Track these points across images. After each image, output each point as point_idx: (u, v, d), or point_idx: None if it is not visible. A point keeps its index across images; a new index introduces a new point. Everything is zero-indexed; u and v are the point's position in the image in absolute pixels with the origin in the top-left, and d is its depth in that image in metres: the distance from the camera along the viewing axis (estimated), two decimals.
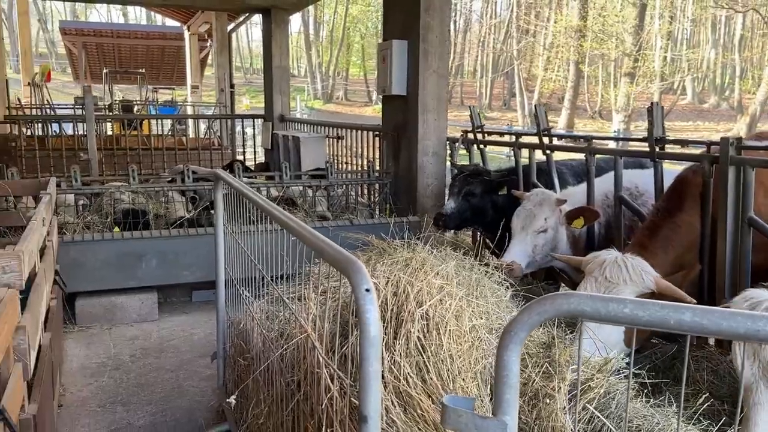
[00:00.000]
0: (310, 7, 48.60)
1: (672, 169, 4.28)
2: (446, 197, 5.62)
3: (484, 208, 5.35)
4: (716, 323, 1.11)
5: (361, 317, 1.34)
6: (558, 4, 36.20)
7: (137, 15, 58.00)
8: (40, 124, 12.46)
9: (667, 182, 4.01)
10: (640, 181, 4.54)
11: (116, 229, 5.64)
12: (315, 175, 6.97)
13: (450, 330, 1.97)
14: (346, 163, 9.15)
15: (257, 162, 11.05)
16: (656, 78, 30.34)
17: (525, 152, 5.70)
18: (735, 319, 1.13)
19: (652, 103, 4.02)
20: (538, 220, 4.24)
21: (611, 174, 4.40)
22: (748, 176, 3.45)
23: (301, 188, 6.70)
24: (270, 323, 2.69)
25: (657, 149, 4.00)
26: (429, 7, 6.08)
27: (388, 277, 2.16)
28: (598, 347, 2.68)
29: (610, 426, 1.97)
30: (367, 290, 1.36)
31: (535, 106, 5.45)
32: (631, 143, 6.28)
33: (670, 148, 4.26)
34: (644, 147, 4.34)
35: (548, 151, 5.18)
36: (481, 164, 6.29)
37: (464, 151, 6.66)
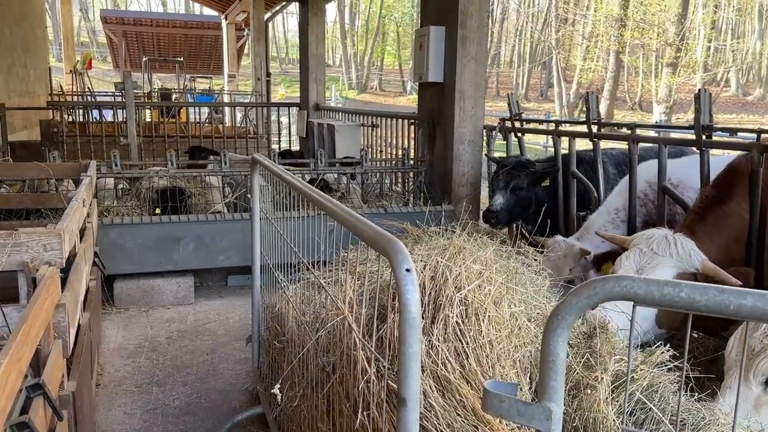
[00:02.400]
0: None
1: (710, 158, 4.12)
2: (490, 193, 5.48)
3: (530, 200, 5.24)
4: None
5: (401, 297, 1.31)
6: None
7: (176, 4, 58.82)
8: (81, 111, 12.75)
9: (691, 176, 3.91)
10: (673, 172, 4.38)
11: (157, 210, 5.72)
12: (345, 163, 6.95)
13: (489, 316, 1.92)
14: (381, 151, 9.12)
15: (281, 150, 11.09)
16: (699, 69, 29.45)
17: (564, 142, 5.60)
18: None
19: (699, 90, 3.88)
20: (563, 272, 4.12)
21: (648, 163, 4.28)
22: None
23: (335, 176, 6.69)
24: (305, 307, 2.69)
25: (704, 137, 3.86)
26: None
27: (425, 262, 2.12)
28: (633, 328, 2.60)
29: (659, 415, 1.90)
30: (408, 270, 1.32)
31: (587, 92, 5.30)
32: (675, 132, 6.09)
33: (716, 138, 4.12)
34: (687, 136, 4.20)
35: (595, 140, 5.06)
36: (520, 154, 6.19)
37: (501, 140, 6.57)
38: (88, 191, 4.15)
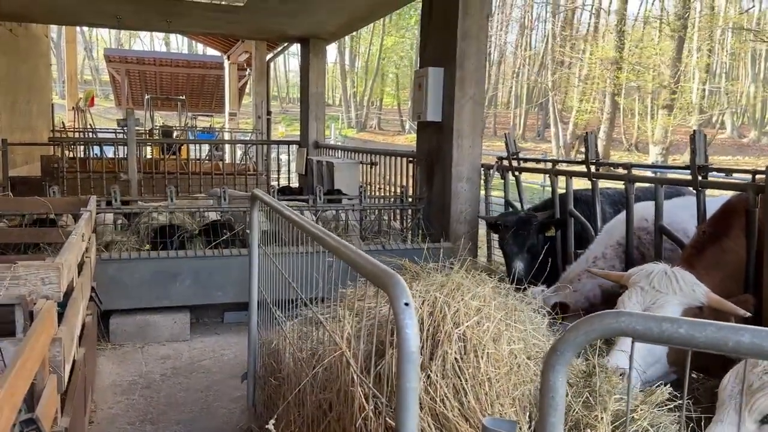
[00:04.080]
0: (347, 39, 49.55)
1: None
2: (505, 258, 5.39)
3: (540, 248, 5.22)
4: None
5: (399, 332, 1.30)
6: (594, 36, 36.13)
7: (179, 44, 59.88)
8: (82, 147, 12.85)
9: (680, 217, 3.96)
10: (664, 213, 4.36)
11: (146, 246, 5.73)
12: (331, 199, 6.97)
13: (488, 353, 1.91)
14: (380, 188, 9.17)
15: (281, 186, 11.16)
16: (694, 111, 29.87)
17: (560, 182, 5.64)
18: None
19: (694, 131, 3.94)
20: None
21: (639, 205, 4.32)
22: None
23: (334, 212, 6.72)
24: (302, 343, 2.67)
25: (700, 178, 3.90)
26: (466, 34, 6.10)
27: (424, 297, 2.12)
28: (636, 369, 2.59)
29: None
30: (407, 304, 1.32)
31: (586, 133, 5.37)
32: (671, 173, 6.16)
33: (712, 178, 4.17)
34: (683, 176, 4.25)
35: (593, 179, 5.11)
36: (518, 195, 6.23)
37: (499, 179, 6.62)
38: (87, 226, 4.15)
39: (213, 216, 6.40)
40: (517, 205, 6.30)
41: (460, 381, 1.83)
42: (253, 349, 3.52)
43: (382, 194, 8.88)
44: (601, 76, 32.43)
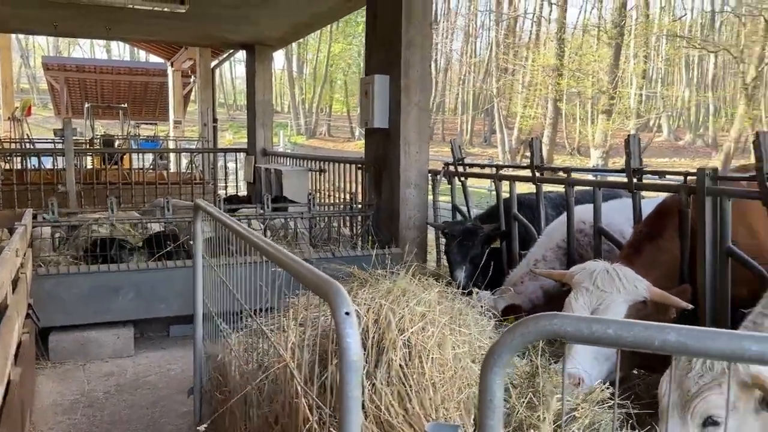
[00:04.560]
0: (294, 46, 49.31)
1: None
2: (448, 264, 5.48)
3: (483, 257, 5.31)
4: (701, 343, 1.10)
5: (340, 341, 1.30)
6: (535, 44, 37.11)
7: (120, 51, 58.24)
8: (19, 158, 12.34)
9: (615, 219, 4.13)
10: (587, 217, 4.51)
11: (86, 260, 5.54)
12: (278, 207, 6.92)
13: (433, 358, 1.93)
14: (329, 196, 9.14)
15: (228, 195, 11.01)
16: (632, 115, 31.04)
17: (505, 186, 5.76)
18: (720, 338, 1.12)
19: (629, 135, 4.08)
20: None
21: (579, 208, 4.46)
22: (725, 207, 3.50)
23: (282, 220, 6.66)
24: (248, 355, 2.63)
25: (635, 180, 4.05)
26: (410, 43, 6.17)
27: (369, 305, 2.12)
28: (581, 373, 2.66)
29: None
30: (347, 313, 1.32)
31: (531, 138, 5.49)
32: (609, 175, 6.37)
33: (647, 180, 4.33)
34: (621, 179, 4.39)
35: (538, 183, 5.22)
36: (464, 199, 6.33)
37: (446, 185, 6.70)
38: (22, 241, 3.99)
39: (156, 227, 6.24)
40: (464, 209, 6.38)
41: (405, 387, 1.85)
42: (198, 363, 3.44)
43: (332, 201, 8.85)
44: (543, 82, 33.33)
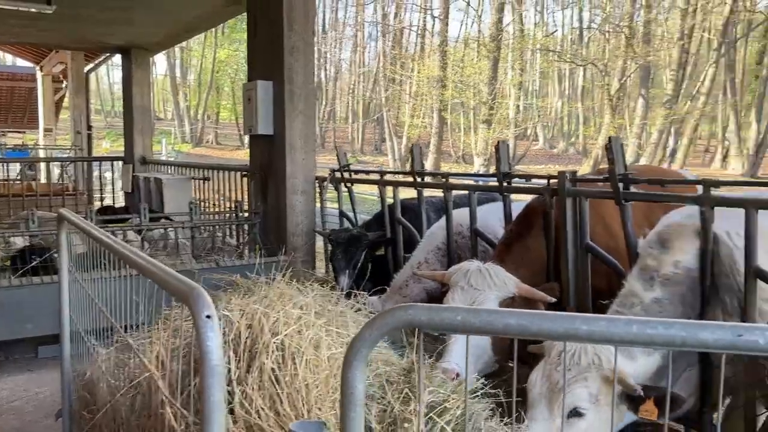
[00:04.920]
0: (177, 51, 47.52)
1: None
2: (333, 271, 5.53)
3: (367, 266, 5.39)
4: (538, 325, 1.20)
5: (201, 345, 1.29)
6: (420, 55, 38.30)
7: None
8: None
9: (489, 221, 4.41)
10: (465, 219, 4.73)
11: None
12: (155, 217, 6.67)
13: (307, 359, 1.94)
14: (215, 205, 8.89)
15: (103, 206, 10.43)
16: (511, 125, 32.82)
17: (390, 191, 5.88)
18: (555, 320, 1.22)
19: (498, 142, 4.34)
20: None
21: (456, 211, 4.67)
22: (584, 206, 3.80)
23: (162, 231, 6.39)
24: (118, 371, 2.50)
25: (505, 184, 4.29)
26: (293, 49, 6.16)
27: (242, 309, 2.10)
28: (456, 367, 2.78)
29: None
30: (208, 317, 1.31)
31: (412, 146, 5.64)
32: (489, 180, 6.69)
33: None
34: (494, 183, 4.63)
35: (419, 188, 5.38)
36: (351, 207, 6.41)
37: (334, 191, 6.74)
38: None
39: (20, 241, 5.78)
40: (352, 215, 6.45)
41: (276, 390, 1.84)
42: (66, 384, 3.23)
43: (217, 210, 8.62)
44: (428, 93, 34.44)
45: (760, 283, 2.90)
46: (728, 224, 3.07)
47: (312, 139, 6.44)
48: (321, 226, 6.69)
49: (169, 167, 10.60)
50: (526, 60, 38.50)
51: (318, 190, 6.49)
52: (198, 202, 8.55)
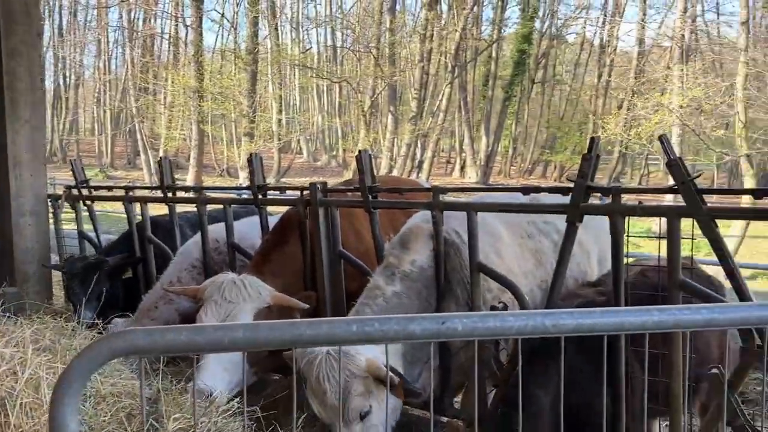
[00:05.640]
0: None
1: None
2: (72, 306, 4.96)
3: (117, 293, 4.98)
4: (264, 335, 1.19)
5: None
6: (174, 64, 36.56)
7: None
8: None
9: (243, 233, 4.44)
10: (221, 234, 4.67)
11: None
12: None
13: (23, 403, 1.69)
14: None
15: None
16: (274, 138, 32.97)
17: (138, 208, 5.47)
18: (282, 328, 1.23)
19: (251, 155, 4.33)
20: None
21: (212, 226, 4.57)
22: (335, 215, 3.97)
23: None
24: None
25: (260, 196, 4.29)
26: (13, 52, 5.44)
27: None
28: (207, 387, 2.68)
29: None
30: None
31: (160, 158, 5.32)
32: (243, 193, 6.62)
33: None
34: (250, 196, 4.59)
35: (171, 204, 5.09)
36: (93, 228, 5.82)
37: (71, 210, 6.06)
38: None
39: None
40: (94, 236, 5.87)
41: None
42: None
43: None
44: (185, 104, 33.03)
45: (483, 276, 3.32)
46: (459, 224, 3.46)
47: (42, 152, 5.75)
48: (57, 250, 5.97)
49: None
50: (285, 74, 39.11)
51: (52, 210, 5.80)
52: None
